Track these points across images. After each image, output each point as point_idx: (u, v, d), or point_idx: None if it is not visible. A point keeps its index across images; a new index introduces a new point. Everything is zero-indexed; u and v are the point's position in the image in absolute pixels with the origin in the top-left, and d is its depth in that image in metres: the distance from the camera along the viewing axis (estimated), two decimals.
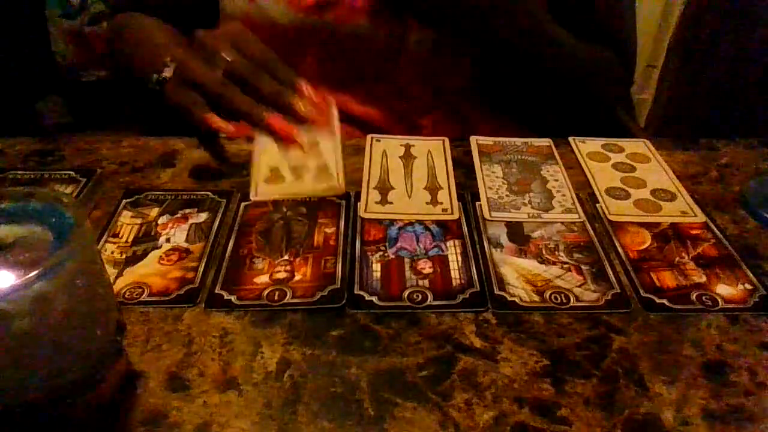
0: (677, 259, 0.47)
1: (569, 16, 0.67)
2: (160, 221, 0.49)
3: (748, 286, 0.44)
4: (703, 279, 0.45)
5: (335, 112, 0.57)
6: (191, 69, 0.56)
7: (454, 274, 0.44)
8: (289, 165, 0.54)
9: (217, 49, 0.56)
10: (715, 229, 0.50)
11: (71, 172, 0.55)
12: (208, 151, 0.60)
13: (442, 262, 0.45)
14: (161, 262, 0.45)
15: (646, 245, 0.48)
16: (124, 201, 0.52)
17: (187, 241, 0.47)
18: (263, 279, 0.43)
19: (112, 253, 0.46)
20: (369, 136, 0.62)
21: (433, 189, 0.54)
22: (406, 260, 0.46)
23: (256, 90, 0.54)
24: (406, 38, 0.66)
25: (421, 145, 0.61)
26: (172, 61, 0.59)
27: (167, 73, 0.60)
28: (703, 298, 0.43)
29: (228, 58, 0.55)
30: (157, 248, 0.46)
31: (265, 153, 0.56)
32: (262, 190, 0.52)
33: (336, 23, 0.65)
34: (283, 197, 0.51)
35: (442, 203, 0.52)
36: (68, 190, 0.53)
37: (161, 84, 0.60)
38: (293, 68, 0.56)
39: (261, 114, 0.53)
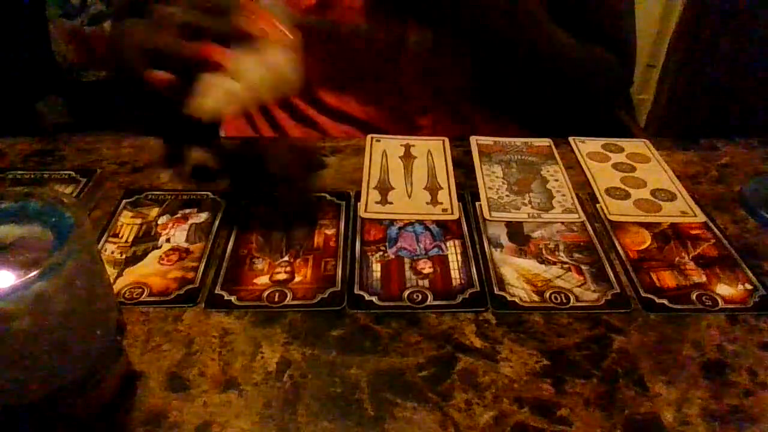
0: (677, 259, 0.47)
1: (568, 17, 0.67)
2: (160, 221, 0.49)
3: (748, 286, 0.44)
4: (703, 279, 0.45)
5: (280, 20, 0.51)
6: (130, 37, 0.52)
7: (454, 274, 0.44)
8: (238, 74, 0.45)
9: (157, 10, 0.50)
10: (715, 229, 0.50)
11: (71, 172, 0.55)
12: (208, 151, 0.60)
13: (442, 262, 0.45)
14: (161, 262, 0.45)
15: (646, 245, 0.48)
16: (124, 201, 0.52)
17: (187, 241, 0.47)
18: (263, 280, 0.43)
19: (112, 253, 0.46)
20: (369, 136, 0.62)
21: (433, 189, 0.54)
22: (406, 260, 0.46)
23: (196, 30, 0.48)
24: (405, 38, 0.66)
25: (421, 145, 0.61)
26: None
27: None
28: (703, 298, 0.43)
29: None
30: (157, 248, 0.46)
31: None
32: (209, 106, 0.44)
33: (336, 23, 0.65)
34: (235, 103, 0.44)
35: (442, 203, 0.52)
36: (68, 190, 0.53)
37: None
38: None
39: (192, 48, 0.47)
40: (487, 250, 0.47)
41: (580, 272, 0.45)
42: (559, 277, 0.44)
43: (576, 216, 0.51)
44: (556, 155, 0.60)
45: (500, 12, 0.62)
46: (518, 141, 0.62)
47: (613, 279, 0.44)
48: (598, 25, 0.70)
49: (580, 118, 0.71)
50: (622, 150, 0.61)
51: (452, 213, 0.51)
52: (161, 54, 0.50)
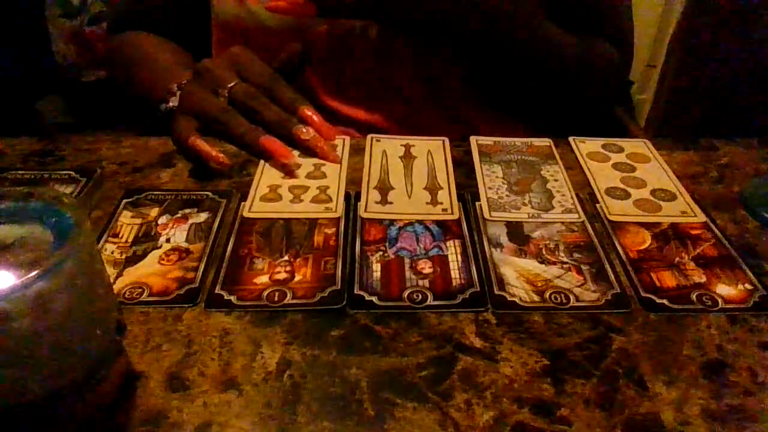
0: (677, 259, 0.47)
1: (564, 4, 0.67)
2: (160, 221, 0.49)
3: (748, 286, 0.44)
4: (703, 279, 0.45)
5: (338, 141, 0.60)
6: (192, 97, 0.57)
7: (454, 274, 0.44)
8: (289, 185, 0.54)
9: (219, 75, 0.57)
10: (715, 229, 0.50)
11: (71, 172, 0.55)
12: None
13: (442, 262, 0.45)
14: (161, 262, 0.45)
15: (646, 245, 0.48)
16: (124, 201, 0.52)
17: (187, 241, 0.47)
18: (263, 279, 0.43)
19: (112, 253, 0.46)
20: (369, 136, 0.62)
21: (433, 189, 0.54)
22: (406, 260, 0.46)
23: (258, 115, 0.55)
24: (398, 38, 0.66)
25: (421, 145, 0.61)
26: (179, 89, 0.60)
27: (173, 102, 0.60)
28: (703, 298, 0.43)
29: (230, 84, 0.56)
30: (157, 248, 0.46)
31: (267, 170, 0.56)
32: (256, 207, 0.51)
33: (327, 26, 0.65)
34: (276, 216, 0.50)
35: (442, 203, 0.52)
36: (68, 190, 0.53)
37: (169, 114, 0.60)
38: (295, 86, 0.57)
39: (257, 137, 0.54)
40: (487, 250, 0.47)
41: (580, 272, 0.45)
42: (559, 277, 0.44)
43: (576, 216, 0.51)
44: (556, 155, 0.60)
45: (498, 19, 0.62)
46: (518, 141, 0.62)
47: (613, 279, 0.44)
48: (594, 11, 0.70)
49: (581, 114, 0.71)
50: (622, 150, 0.61)
51: (452, 213, 0.51)
52: (217, 126, 0.55)
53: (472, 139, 0.62)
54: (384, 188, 0.54)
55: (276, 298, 0.42)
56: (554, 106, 0.71)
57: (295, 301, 0.41)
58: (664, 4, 1.63)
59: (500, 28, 0.62)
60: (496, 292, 0.43)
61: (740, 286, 0.44)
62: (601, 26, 0.70)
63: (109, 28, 0.82)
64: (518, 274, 0.45)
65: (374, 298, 0.42)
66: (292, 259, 0.45)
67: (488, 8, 0.61)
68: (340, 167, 0.57)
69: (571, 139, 0.63)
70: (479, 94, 0.71)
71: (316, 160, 0.57)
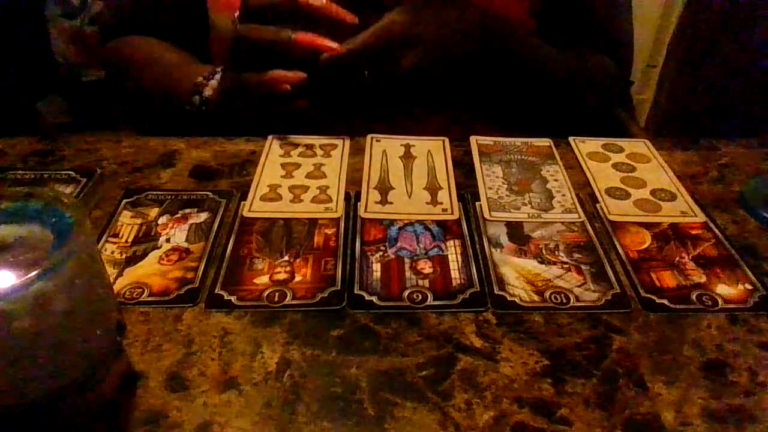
0: (677, 259, 0.47)
1: (563, 14, 0.66)
2: (160, 221, 0.49)
3: (748, 286, 0.44)
4: (703, 279, 0.45)
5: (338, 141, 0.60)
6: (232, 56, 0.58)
7: (454, 274, 0.44)
8: (289, 185, 0.54)
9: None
10: (715, 229, 0.50)
11: (71, 172, 0.55)
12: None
13: (442, 262, 0.45)
14: (161, 262, 0.45)
15: (646, 245, 0.48)
16: (124, 201, 0.52)
17: (187, 241, 0.47)
18: (263, 280, 0.43)
19: (112, 253, 0.46)
20: (369, 136, 0.62)
21: (433, 189, 0.54)
22: (406, 260, 0.46)
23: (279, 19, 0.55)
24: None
25: (421, 145, 0.61)
26: (207, 79, 0.60)
27: (207, 91, 0.60)
28: (703, 298, 0.43)
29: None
30: (157, 248, 0.46)
31: (267, 169, 0.56)
32: (256, 207, 0.51)
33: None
34: (276, 216, 0.50)
35: (442, 203, 0.52)
36: (68, 190, 0.53)
37: (206, 104, 0.60)
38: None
39: (287, 35, 0.53)
40: (487, 250, 0.47)
41: (580, 272, 0.45)
42: (559, 277, 0.44)
43: (576, 216, 0.51)
44: (556, 155, 0.60)
45: (493, 42, 0.62)
46: (518, 141, 0.62)
47: (613, 279, 0.44)
48: (593, 22, 0.70)
49: (580, 121, 0.71)
50: (622, 150, 0.61)
51: (452, 213, 0.51)
52: (248, 45, 0.55)
53: (472, 139, 0.62)
54: (384, 188, 0.54)
55: (276, 299, 0.42)
56: (551, 115, 0.71)
57: (295, 302, 0.41)
58: (664, 4, 1.63)
59: (493, 47, 0.62)
60: (496, 292, 0.43)
61: (740, 286, 0.44)
62: (598, 30, 0.70)
63: (102, 32, 0.82)
64: (518, 274, 0.45)
65: (374, 298, 0.42)
66: (292, 260, 0.45)
67: (484, 29, 0.61)
68: (340, 167, 0.57)
69: (571, 139, 0.63)
70: (478, 96, 0.71)
71: (316, 160, 0.57)
